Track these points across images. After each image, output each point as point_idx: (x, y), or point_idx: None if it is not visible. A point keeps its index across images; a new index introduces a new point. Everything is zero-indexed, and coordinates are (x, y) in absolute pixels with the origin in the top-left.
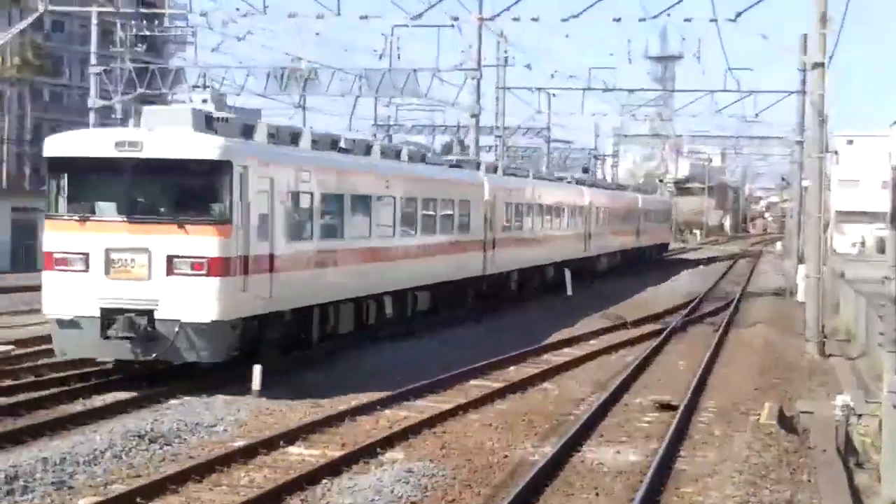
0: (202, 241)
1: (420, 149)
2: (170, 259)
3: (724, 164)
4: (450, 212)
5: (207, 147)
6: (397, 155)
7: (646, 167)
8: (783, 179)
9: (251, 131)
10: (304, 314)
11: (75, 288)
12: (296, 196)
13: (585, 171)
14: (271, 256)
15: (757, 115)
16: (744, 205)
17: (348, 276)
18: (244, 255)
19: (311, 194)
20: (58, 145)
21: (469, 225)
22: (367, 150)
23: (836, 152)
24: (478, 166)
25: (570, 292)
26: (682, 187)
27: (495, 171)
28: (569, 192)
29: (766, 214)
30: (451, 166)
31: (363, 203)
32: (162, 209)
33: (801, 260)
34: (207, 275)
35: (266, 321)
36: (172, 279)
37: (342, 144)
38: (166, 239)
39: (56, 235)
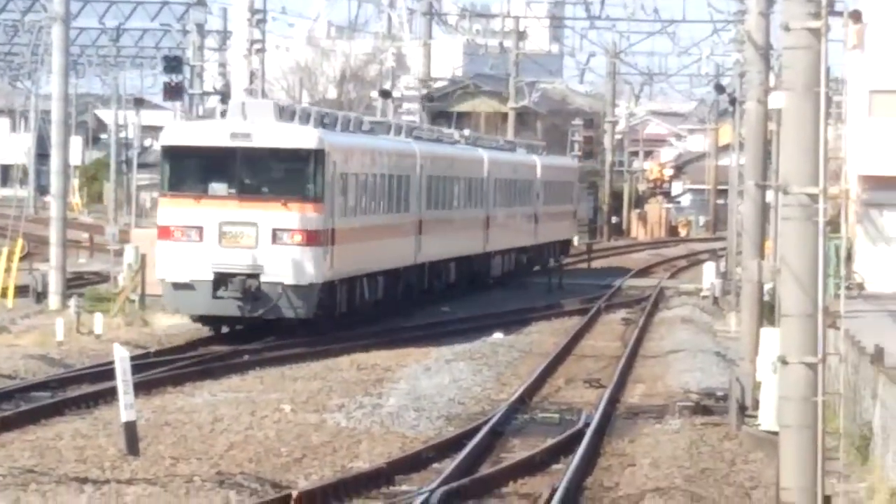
0: (301, 216)
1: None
2: (274, 231)
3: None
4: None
5: (306, 137)
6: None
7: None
8: (718, 91)
9: (324, 118)
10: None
11: (190, 255)
12: (365, 176)
13: None
14: (350, 230)
15: None
16: (616, 164)
17: (402, 245)
18: (331, 228)
19: (377, 175)
20: (175, 135)
21: None
22: (410, 131)
23: (854, 15)
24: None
25: None
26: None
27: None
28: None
29: (674, 184)
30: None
31: (406, 181)
32: (266, 189)
33: (767, 317)
34: (305, 244)
35: (340, 284)
36: (276, 247)
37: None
38: (271, 214)
39: (172, 210)
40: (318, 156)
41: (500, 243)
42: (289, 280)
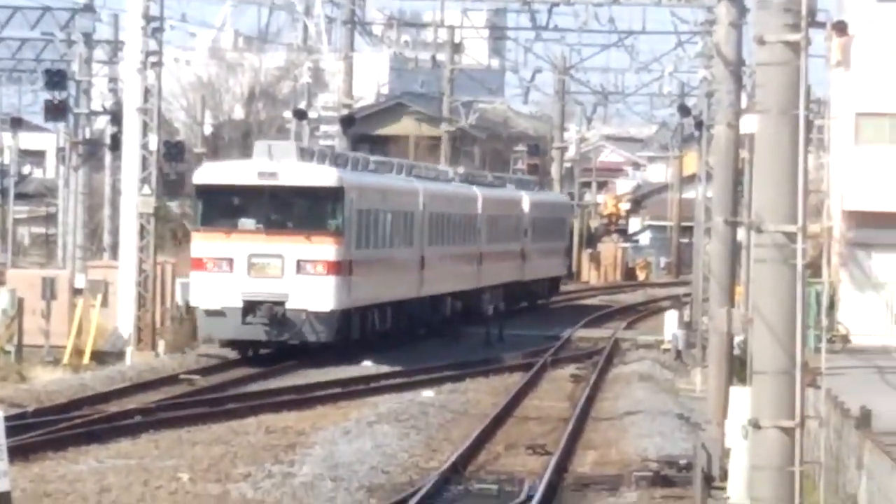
0: (323, 249)
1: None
2: (298, 262)
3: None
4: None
5: (327, 176)
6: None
7: None
8: (682, 113)
9: (337, 159)
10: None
11: (221, 284)
12: (377, 212)
13: None
14: (365, 262)
15: None
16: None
17: (408, 278)
18: (349, 259)
19: (387, 211)
20: (207, 174)
21: None
22: (409, 169)
23: (839, 27)
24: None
25: None
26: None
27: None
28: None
29: (632, 220)
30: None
31: (409, 217)
32: (291, 223)
33: (737, 374)
34: (327, 274)
35: (354, 312)
36: (300, 277)
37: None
38: (296, 246)
39: (204, 244)
40: (337, 193)
41: (491, 279)
42: (312, 307)
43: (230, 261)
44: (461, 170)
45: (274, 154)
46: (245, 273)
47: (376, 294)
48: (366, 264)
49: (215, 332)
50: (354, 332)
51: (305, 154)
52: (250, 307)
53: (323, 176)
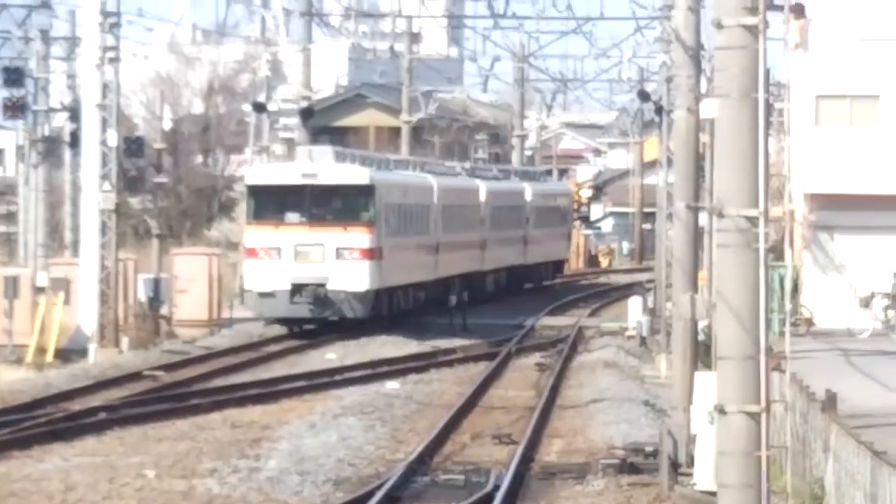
0: (358, 237)
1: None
2: (337, 249)
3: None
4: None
5: (361, 175)
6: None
7: None
8: (642, 98)
9: (365, 160)
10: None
11: (272, 270)
12: (400, 205)
13: None
14: (393, 248)
15: None
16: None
17: (426, 262)
18: (380, 246)
19: (408, 204)
20: (257, 175)
21: None
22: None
23: (796, 9)
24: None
25: None
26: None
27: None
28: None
29: (594, 206)
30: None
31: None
32: (331, 216)
33: (702, 359)
34: (361, 259)
35: (383, 292)
36: (339, 262)
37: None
38: (335, 236)
39: (256, 235)
40: (369, 190)
41: (494, 262)
42: (350, 288)
43: (279, 249)
44: (467, 165)
45: (314, 157)
46: (292, 260)
47: (401, 276)
48: (393, 250)
49: (266, 311)
50: (384, 310)
51: (340, 156)
52: (297, 289)
53: (356, 175)
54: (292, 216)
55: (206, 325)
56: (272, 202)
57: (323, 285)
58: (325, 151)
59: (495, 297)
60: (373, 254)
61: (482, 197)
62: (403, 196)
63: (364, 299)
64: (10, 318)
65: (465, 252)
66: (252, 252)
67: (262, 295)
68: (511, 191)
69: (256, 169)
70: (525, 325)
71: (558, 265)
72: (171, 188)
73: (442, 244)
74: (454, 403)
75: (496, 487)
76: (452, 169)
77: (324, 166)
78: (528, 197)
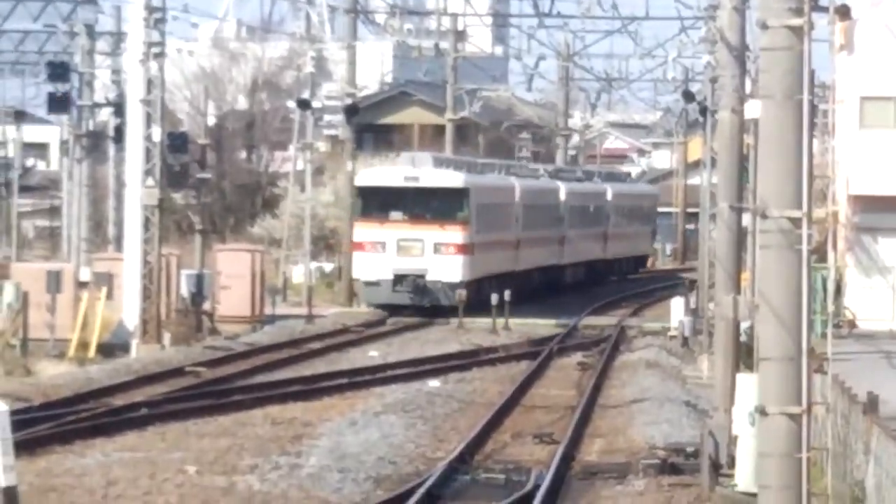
0: (453, 234)
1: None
2: (435, 244)
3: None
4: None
5: (457, 179)
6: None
7: None
8: (686, 98)
9: (458, 164)
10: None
11: (377, 262)
12: (488, 205)
13: None
14: (482, 244)
15: None
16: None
17: (509, 256)
18: (473, 242)
19: (495, 204)
20: (366, 178)
21: None
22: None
23: (841, 10)
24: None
25: None
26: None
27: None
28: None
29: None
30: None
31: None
32: (429, 215)
33: (744, 360)
34: (456, 253)
35: (474, 283)
36: (437, 256)
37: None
38: (433, 233)
39: (364, 231)
40: (463, 192)
41: (573, 257)
42: (446, 279)
43: (383, 244)
44: (549, 167)
45: (416, 162)
46: (395, 253)
47: (489, 268)
48: (482, 246)
49: (372, 298)
50: (474, 299)
51: (438, 161)
52: (399, 279)
53: (453, 178)
54: (396, 214)
55: (249, 321)
56: (378, 202)
57: (422, 276)
58: (424, 157)
59: (570, 289)
60: (466, 249)
61: (562, 197)
62: (491, 197)
63: (458, 289)
64: (53, 313)
65: (544, 247)
66: (360, 245)
67: (368, 283)
68: (590, 191)
69: (365, 172)
70: (567, 325)
71: (641, 260)
72: (215, 184)
73: (522, 240)
74: (495, 402)
75: (536, 487)
76: (535, 171)
77: (424, 170)
78: (609, 197)
